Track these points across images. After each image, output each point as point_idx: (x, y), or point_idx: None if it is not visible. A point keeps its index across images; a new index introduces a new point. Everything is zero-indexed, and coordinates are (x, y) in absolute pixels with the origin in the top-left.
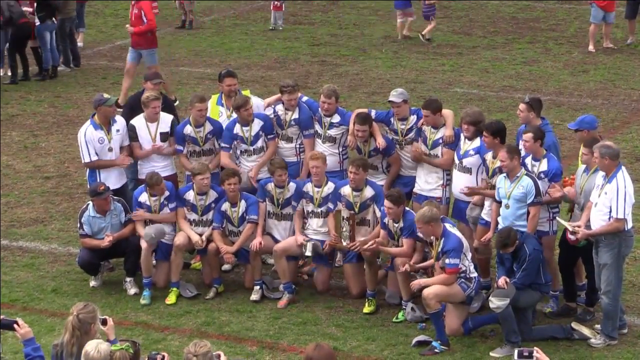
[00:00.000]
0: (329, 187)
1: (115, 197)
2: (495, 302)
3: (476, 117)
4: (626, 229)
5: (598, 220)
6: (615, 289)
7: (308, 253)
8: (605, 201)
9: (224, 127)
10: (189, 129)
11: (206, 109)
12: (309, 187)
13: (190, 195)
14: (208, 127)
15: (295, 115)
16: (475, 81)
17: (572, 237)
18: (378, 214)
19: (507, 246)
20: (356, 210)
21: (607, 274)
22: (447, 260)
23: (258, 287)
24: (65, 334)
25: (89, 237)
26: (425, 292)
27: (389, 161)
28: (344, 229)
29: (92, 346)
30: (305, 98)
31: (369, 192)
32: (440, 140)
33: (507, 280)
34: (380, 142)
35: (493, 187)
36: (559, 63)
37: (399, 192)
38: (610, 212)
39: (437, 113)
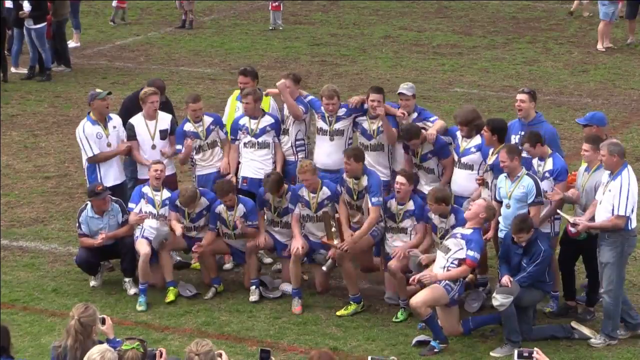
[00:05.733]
0: (324, 192)
1: (113, 198)
2: (499, 300)
3: (465, 117)
4: (629, 228)
5: (602, 217)
6: (617, 288)
7: (324, 269)
8: (609, 198)
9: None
10: (188, 126)
11: (200, 109)
12: (304, 192)
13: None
14: (207, 119)
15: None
16: (476, 81)
17: (572, 229)
18: (369, 205)
19: (523, 230)
20: (355, 197)
21: (609, 273)
22: (469, 252)
23: (254, 287)
24: (67, 338)
25: (87, 237)
26: (413, 302)
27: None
28: (334, 229)
29: (98, 351)
30: (310, 97)
31: (364, 181)
32: (429, 155)
33: (511, 278)
34: (399, 112)
35: (484, 183)
36: (559, 63)
37: (411, 171)
38: (614, 209)
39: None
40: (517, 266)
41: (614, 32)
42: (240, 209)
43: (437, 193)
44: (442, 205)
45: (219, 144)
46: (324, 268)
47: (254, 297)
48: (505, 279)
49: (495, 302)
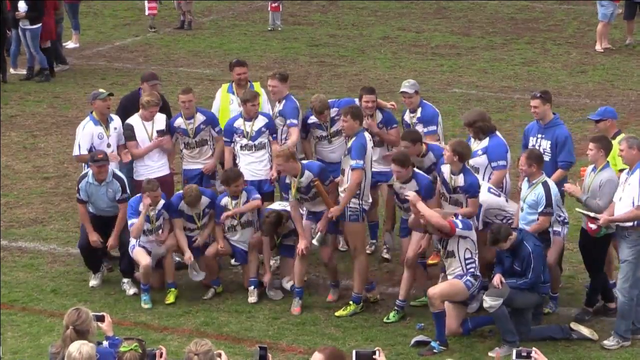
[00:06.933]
0: (307, 176)
1: (116, 174)
2: (488, 302)
3: (467, 118)
4: None
5: (623, 212)
6: (632, 287)
7: (315, 242)
8: (629, 192)
9: (216, 114)
10: (179, 121)
11: (189, 101)
12: (290, 178)
13: (184, 207)
14: (200, 118)
15: (280, 107)
16: (474, 82)
17: (592, 226)
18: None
19: (499, 242)
20: (345, 151)
21: (626, 270)
22: (456, 219)
23: (252, 287)
24: (64, 348)
25: (84, 203)
26: (431, 291)
27: (390, 133)
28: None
29: (75, 347)
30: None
31: (350, 142)
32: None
33: (502, 279)
34: (389, 104)
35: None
36: (558, 64)
37: (404, 154)
38: (634, 200)
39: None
40: (509, 269)
41: (613, 33)
42: (244, 195)
43: (458, 145)
44: (456, 159)
45: (209, 142)
46: (314, 242)
47: (252, 299)
48: (497, 280)
49: (485, 305)
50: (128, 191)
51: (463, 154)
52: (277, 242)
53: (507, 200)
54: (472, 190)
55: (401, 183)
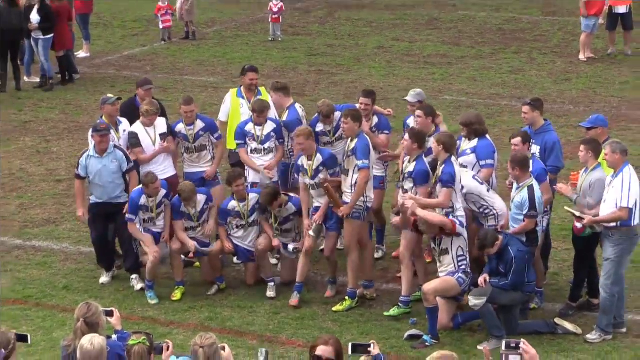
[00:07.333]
0: (318, 158)
1: (117, 145)
2: (472, 301)
3: (464, 119)
4: (633, 224)
5: (607, 213)
6: (613, 284)
7: (311, 233)
8: (613, 194)
9: (226, 118)
10: (180, 127)
11: (192, 111)
12: (303, 160)
13: (183, 207)
14: (199, 125)
15: (284, 118)
16: (464, 89)
17: (578, 225)
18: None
19: (486, 247)
20: (348, 152)
21: (609, 268)
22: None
23: (272, 284)
24: (76, 340)
25: (81, 180)
26: (426, 287)
27: (380, 138)
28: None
29: (87, 340)
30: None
31: (353, 143)
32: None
33: (487, 279)
34: (386, 111)
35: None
36: (543, 72)
37: (423, 132)
38: (617, 202)
39: (428, 117)
40: (495, 270)
41: (595, 43)
42: (253, 197)
43: (442, 136)
44: (441, 148)
45: (208, 148)
46: (310, 233)
47: (272, 293)
48: (481, 279)
49: (470, 303)
50: (132, 161)
51: (447, 144)
52: (275, 225)
53: (488, 190)
54: (444, 179)
55: (408, 161)
